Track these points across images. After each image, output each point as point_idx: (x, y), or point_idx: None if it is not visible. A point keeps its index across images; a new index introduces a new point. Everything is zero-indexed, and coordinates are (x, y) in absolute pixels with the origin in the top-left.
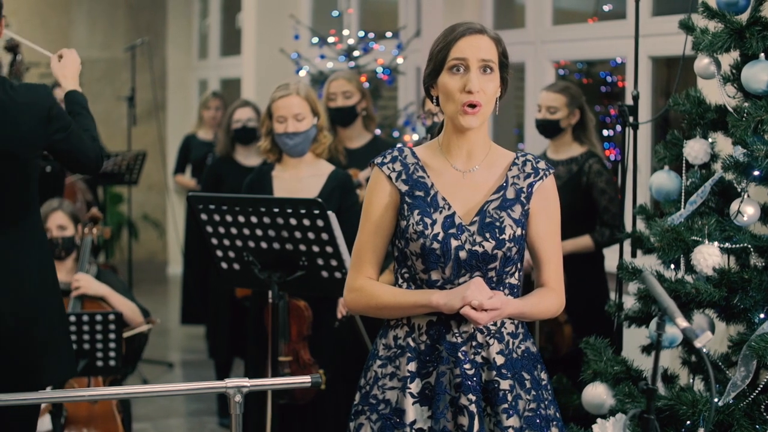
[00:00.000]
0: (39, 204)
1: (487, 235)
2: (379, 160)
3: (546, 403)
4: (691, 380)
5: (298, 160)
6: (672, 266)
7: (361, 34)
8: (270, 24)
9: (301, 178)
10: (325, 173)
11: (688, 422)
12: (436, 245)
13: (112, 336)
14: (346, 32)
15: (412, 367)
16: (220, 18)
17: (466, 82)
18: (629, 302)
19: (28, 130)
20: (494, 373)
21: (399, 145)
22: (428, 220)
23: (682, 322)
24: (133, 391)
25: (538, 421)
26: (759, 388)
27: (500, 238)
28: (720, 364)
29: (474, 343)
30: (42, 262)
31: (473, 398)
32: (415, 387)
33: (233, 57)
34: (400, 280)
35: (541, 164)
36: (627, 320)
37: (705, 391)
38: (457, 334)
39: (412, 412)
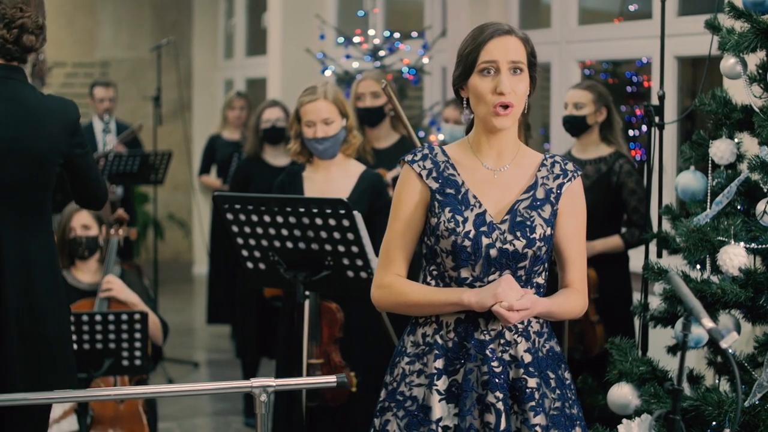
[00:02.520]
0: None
1: (518, 233)
2: (409, 157)
3: (570, 402)
4: (717, 381)
5: (329, 162)
6: (698, 266)
7: (387, 33)
8: (295, 24)
9: (332, 179)
10: (356, 174)
11: (714, 423)
12: (467, 243)
13: (137, 335)
14: (371, 32)
15: (439, 364)
16: (246, 18)
17: (497, 84)
18: (655, 303)
19: (55, 134)
20: (522, 371)
21: (428, 144)
22: (459, 218)
23: (708, 323)
24: (159, 391)
25: (563, 420)
26: None
27: (531, 237)
28: (746, 364)
29: (502, 341)
30: (52, 265)
31: (500, 396)
32: (442, 384)
33: (259, 57)
34: (429, 278)
35: (570, 166)
36: (653, 320)
37: (731, 392)
38: (485, 332)
39: (439, 409)
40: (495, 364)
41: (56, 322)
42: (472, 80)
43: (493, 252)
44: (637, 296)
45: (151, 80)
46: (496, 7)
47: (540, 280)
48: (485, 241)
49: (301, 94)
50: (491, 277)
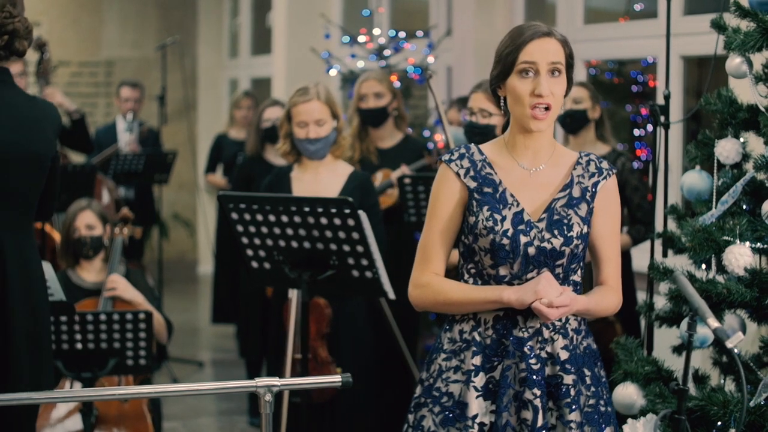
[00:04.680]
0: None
1: (556, 232)
2: (446, 157)
3: (604, 400)
4: (723, 381)
5: (318, 162)
6: (703, 266)
7: (392, 33)
8: (300, 23)
9: (320, 180)
10: (344, 174)
11: (719, 423)
12: (505, 241)
13: (142, 335)
14: (376, 31)
15: (476, 361)
16: (251, 17)
17: (535, 86)
18: (660, 302)
19: (49, 136)
20: (558, 368)
21: (464, 143)
22: (498, 216)
23: (714, 323)
24: (164, 390)
25: (596, 417)
26: None
27: (568, 235)
28: (751, 364)
29: (540, 339)
30: (40, 265)
31: (538, 393)
32: (479, 381)
33: (264, 56)
34: (466, 276)
35: (605, 164)
36: (658, 320)
37: (736, 392)
38: (523, 329)
39: (475, 405)
40: (533, 361)
41: (48, 323)
42: (510, 81)
43: (531, 250)
44: (642, 296)
45: (156, 79)
46: (501, 7)
47: (576, 277)
48: (523, 239)
49: (292, 94)
50: (529, 275)
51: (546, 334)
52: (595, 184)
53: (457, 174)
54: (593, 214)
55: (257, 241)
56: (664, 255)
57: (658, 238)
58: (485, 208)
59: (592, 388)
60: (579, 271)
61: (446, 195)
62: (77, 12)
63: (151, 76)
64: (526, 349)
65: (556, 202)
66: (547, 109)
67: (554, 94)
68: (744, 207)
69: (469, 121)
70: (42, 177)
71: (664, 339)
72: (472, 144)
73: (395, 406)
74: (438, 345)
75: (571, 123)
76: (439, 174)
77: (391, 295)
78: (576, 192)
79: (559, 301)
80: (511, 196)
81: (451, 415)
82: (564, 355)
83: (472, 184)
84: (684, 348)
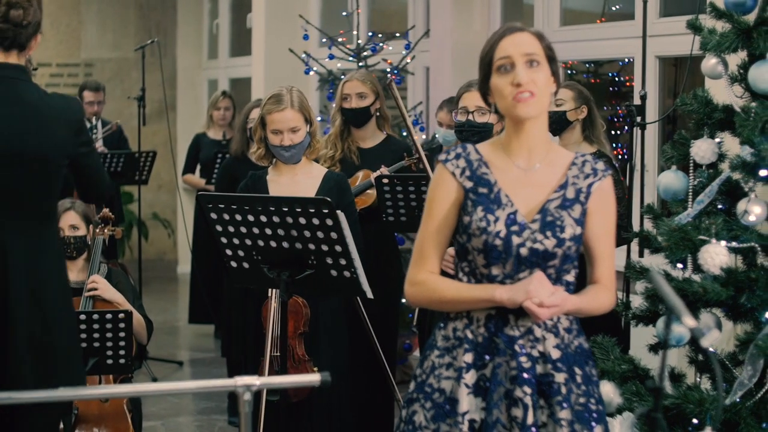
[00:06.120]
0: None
1: (548, 233)
2: (443, 157)
3: (595, 398)
4: (698, 379)
5: (293, 164)
6: (679, 265)
7: (370, 34)
8: (279, 24)
9: (297, 181)
10: (319, 175)
11: (696, 421)
12: (498, 242)
13: (122, 334)
14: (355, 32)
15: (468, 358)
16: (230, 18)
17: (513, 77)
18: (636, 301)
19: (61, 135)
20: (550, 366)
21: (462, 143)
22: (491, 217)
23: (690, 322)
24: (143, 389)
25: (586, 415)
26: (766, 387)
27: (561, 236)
28: (727, 363)
29: (531, 337)
30: (60, 270)
31: (528, 391)
32: (470, 378)
33: (243, 57)
34: (461, 274)
35: (600, 165)
36: (634, 319)
37: (712, 390)
38: (515, 328)
39: (466, 402)
40: (524, 359)
41: (66, 332)
42: (492, 80)
43: (523, 251)
44: (618, 295)
45: (136, 80)
46: (479, 8)
47: (569, 277)
48: (516, 240)
49: (266, 100)
50: (522, 275)
51: (537, 332)
52: (590, 185)
53: (453, 174)
54: (587, 214)
55: (236, 241)
56: (641, 254)
57: (634, 238)
58: (479, 208)
59: (583, 387)
60: (573, 271)
61: (442, 194)
62: (56, 13)
63: (130, 77)
64: (516, 347)
65: (550, 203)
66: (529, 94)
67: (535, 82)
68: (720, 206)
69: (465, 120)
70: (50, 179)
71: (641, 338)
72: (469, 144)
73: (371, 406)
74: (432, 342)
75: (551, 125)
76: (436, 174)
77: (369, 295)
78: (570, 193)
79: (550, 301)
80: (506, 196)
81: (441, 410)
82: (555, 353)
83: (468, 184)
84: (660, 346)
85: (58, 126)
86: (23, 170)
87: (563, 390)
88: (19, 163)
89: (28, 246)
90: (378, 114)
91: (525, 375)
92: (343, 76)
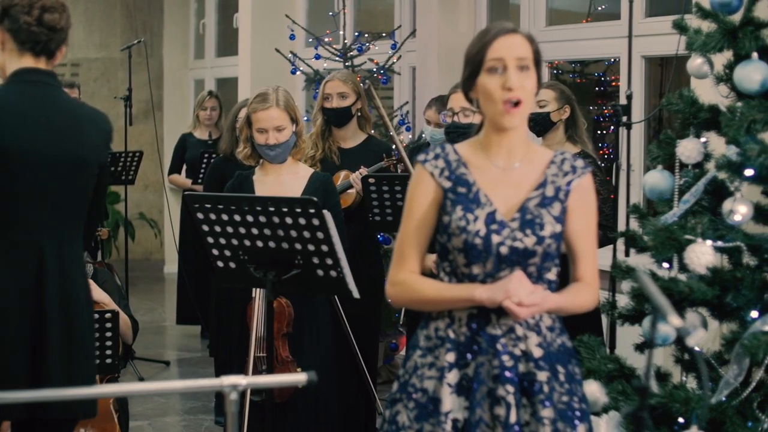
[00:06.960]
0: None
1: (528, 231)
2: (422, 157)
3: (578, 397)
4: (684, 378)
5: (279, 164)
6: (665, 265)
7: (357, 34)
8: (266, 24)
9: (282, 182)
10: (306, 175)
11: (681, 420)
12: (478, 241)
13: (108, 334)
14: (341, 32)
15: (450, 357)
16: (217, 18)
17: (505, 80)
18: (622, 301)
19: (95, 142)
20: (532, 364)
21: (441, 143)
22: (470, 216)
23: (676, 321)
24: (130, 389)
25: (569, 413)
26: (751, 386)
27: (540, 234)
28: (713, 362)
29: (513, 336)
30: (85, 280)
31: (511, 389)
32: (452, 377)
33: (229, 57)
34: (442, 274)
35: (579, 162)
36: (620, 318)
37: (698, 389)
38: (496, 327)
39: (449, 401)
40: (506, 358)
41: (91, 338)
42: (480, 80)
43: (503, 250)
44: (604, 294)
45: (122, 80)
46: (465, 8)
47: (551, 276)
48: (495, 239)
49: (252, 99)
50: (502, 274)
51: (519, 331)
52: (569, 183)
53: (432, 174)
54: (567, 212)
55: (222, 241)
56: (627, 254)
57: (620, 237)
58: (458, 207)
59: (566, 385)
60: (554, 270)
61: (421, 195)
62: None
63: (116, 77)
64: (498, 346)
65: (530, 201)
66: (517, 104)
67: (524, 88)
68: (705, 206)
69: (451, 122)
70: (87, 184)
71: (627, 337)
72: (448, 144)
73: (356, 406)
74: (414, 342)
75: (535, 126)
76: (415, 175)
77: (356, 294)
78: (549, 191)
79: (530, 300)
80: (485, 196)
81: (424, 410)
82: (538, 352)
83: (447, 184)
84: (646, 346)
85: (94, 132)
86: (61, 174)
87: (546, 388)
88: (58, 167)
89: (60, 251)
90: (359, 114)
91: (507, 374)
92: (327, 76)
